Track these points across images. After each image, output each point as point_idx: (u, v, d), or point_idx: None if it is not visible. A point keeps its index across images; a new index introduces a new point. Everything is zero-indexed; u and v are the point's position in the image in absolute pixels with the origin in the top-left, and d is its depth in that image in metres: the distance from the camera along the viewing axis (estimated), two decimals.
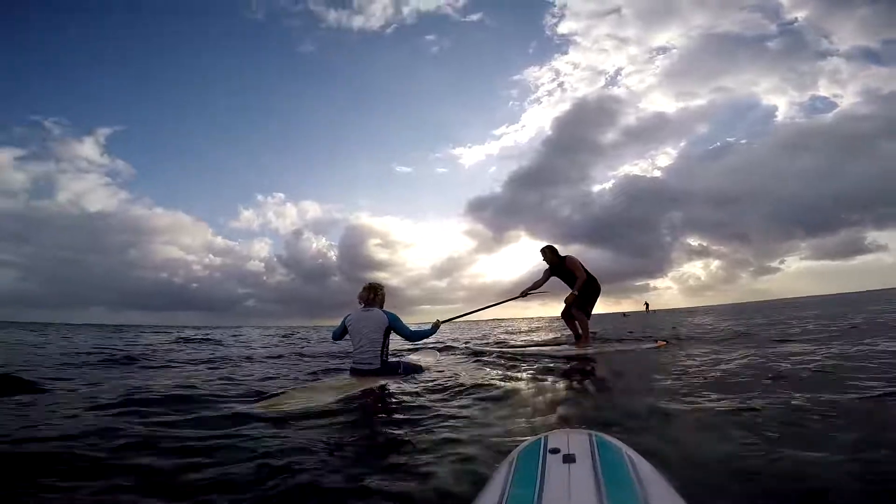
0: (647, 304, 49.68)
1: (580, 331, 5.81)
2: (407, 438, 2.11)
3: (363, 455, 1.92)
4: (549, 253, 5.84)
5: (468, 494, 1.10)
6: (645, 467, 1.05)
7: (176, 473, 1.67)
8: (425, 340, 4.62)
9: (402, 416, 2.55)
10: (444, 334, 13.70)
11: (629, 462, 1.06)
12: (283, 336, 16.69)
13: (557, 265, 5.80)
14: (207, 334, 16.51)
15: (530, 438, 1.24)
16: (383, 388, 3.40)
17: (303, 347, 9.35)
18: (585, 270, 5.67)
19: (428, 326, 4.35)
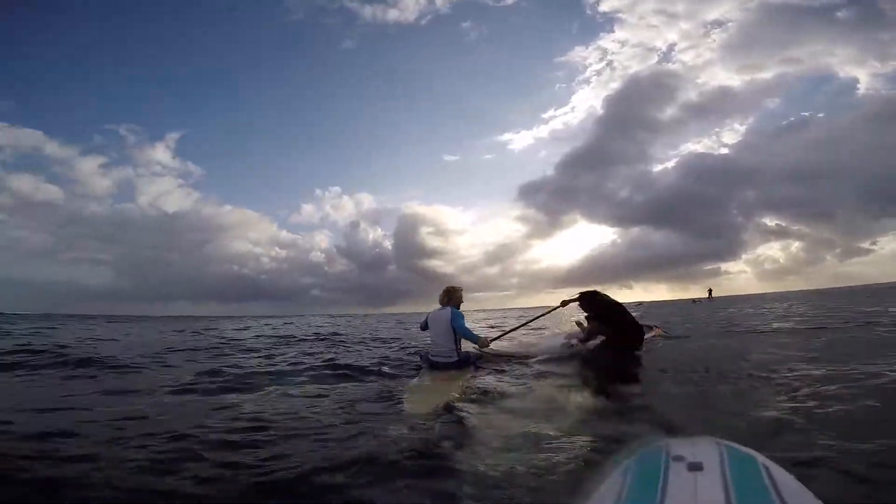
0: (709, 291, 42.94)
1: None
2: (515, 438, 2.30)
3: (480, 455, 2.10)
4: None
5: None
6: (785, 478, 0.94)
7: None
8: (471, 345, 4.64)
9: (504, 414, 2.81)
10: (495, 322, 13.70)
11: (765, 472, 0.96)
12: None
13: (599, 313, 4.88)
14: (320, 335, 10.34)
15: (650, 445, 1.15)
16: (471, 384, 3.66)
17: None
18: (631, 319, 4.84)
19: (480, 333, 4.47)
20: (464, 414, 2.85)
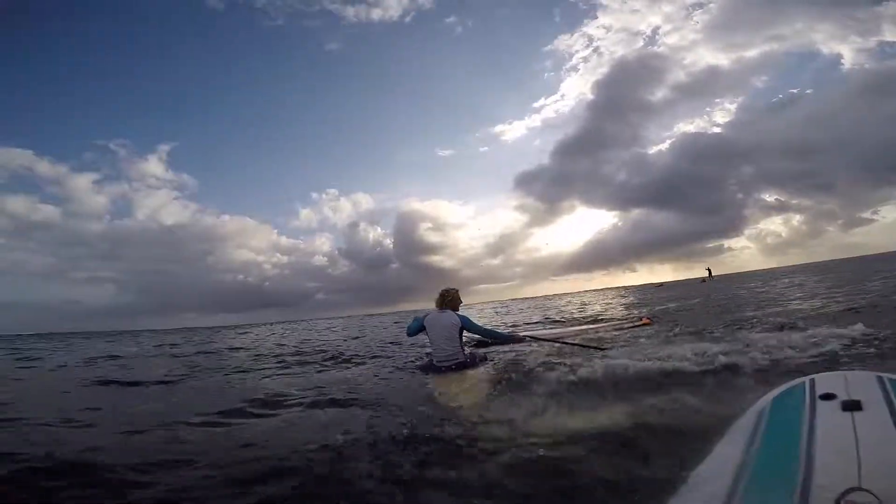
0: (708, 270, 38.35)
1: None
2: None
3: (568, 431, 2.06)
4: None
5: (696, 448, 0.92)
6: None
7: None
8: (500, 346, 4.70)
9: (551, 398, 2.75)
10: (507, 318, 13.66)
11: None
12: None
13: None
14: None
15: (787, 384, 0.99)
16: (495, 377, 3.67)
17: None
18: None
19: (502, 329, 4.53)
20: (511, 401, 2.80)
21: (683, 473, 0.82)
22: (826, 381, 0.92)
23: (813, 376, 0.96)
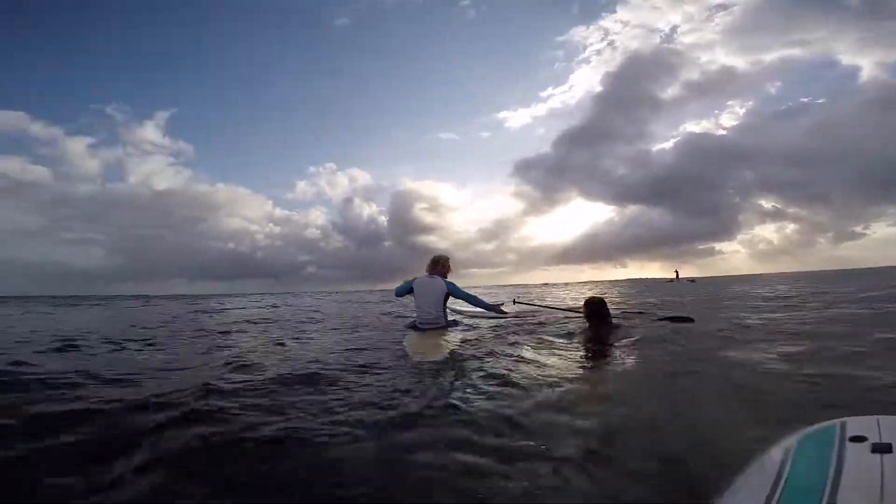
0: (676, 273, 36.43)
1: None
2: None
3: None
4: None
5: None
6: None
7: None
8: (485, 312, 4.96)
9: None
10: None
11: None
12: None
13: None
14: None
15: (817, 424, 0.99)
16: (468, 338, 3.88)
17: None
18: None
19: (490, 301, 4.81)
20: (476, 361, 2.88)
21: None
22: (858, 423, 0.95)
23: (845, 419, 0.98)
